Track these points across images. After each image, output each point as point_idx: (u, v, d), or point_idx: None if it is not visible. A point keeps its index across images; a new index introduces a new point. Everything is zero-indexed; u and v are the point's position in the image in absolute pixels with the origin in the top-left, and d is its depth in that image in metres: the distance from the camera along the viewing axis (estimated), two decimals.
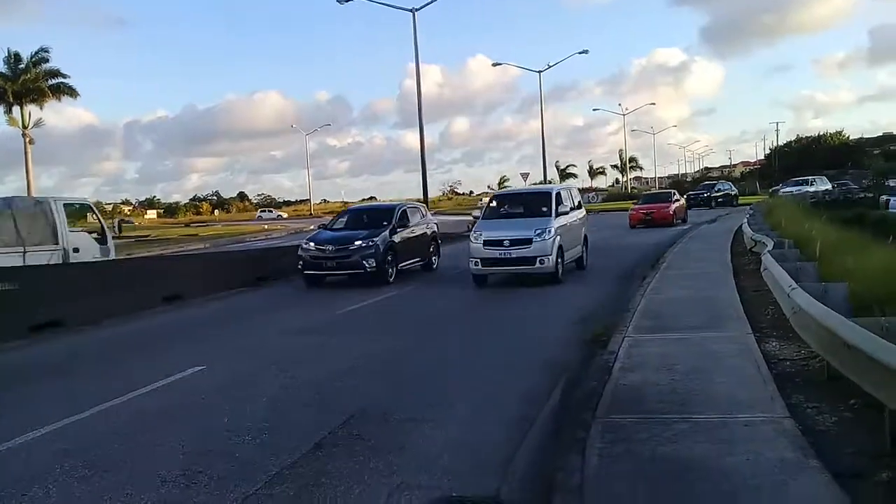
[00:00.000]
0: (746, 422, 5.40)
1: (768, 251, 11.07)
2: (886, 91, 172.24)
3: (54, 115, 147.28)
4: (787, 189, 49.13)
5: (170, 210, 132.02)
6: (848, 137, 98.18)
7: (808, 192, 45.31)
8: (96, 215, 19.00)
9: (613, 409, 5.95)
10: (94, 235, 17.53)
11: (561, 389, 7.07)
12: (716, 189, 53.67)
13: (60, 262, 15.69)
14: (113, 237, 18.38)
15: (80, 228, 17.64)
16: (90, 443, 6.07)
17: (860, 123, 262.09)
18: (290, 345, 10.10)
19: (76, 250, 16.39)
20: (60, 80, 49.77)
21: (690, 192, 53.91)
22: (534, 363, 8.26)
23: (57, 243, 16.05)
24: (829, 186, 50.52)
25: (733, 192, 53.12)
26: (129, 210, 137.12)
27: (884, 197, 35.02)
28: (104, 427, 6.53)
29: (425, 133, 34.00)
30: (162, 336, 11.65)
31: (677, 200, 36.48)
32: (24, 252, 15.22)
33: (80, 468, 5.46)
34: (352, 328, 11.43)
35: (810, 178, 53.63)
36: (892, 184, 45.75)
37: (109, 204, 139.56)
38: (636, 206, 35.62)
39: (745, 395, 6.10)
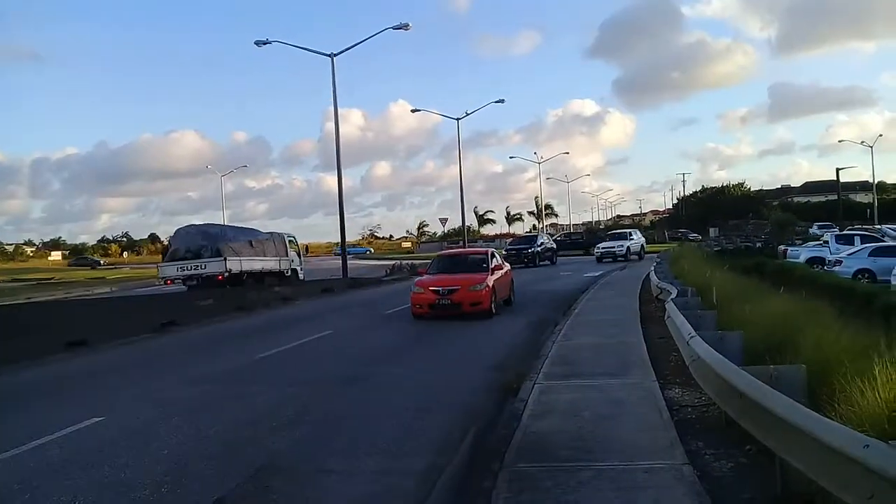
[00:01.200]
0: (647, 468, 5.54)
1: (672, 299, 11.49)
2: (784, 146, 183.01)
3: None
4: (607, 245, 44.56)
5: (76, 251, 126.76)
6: (749, 189, 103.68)
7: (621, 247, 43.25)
8: (296, 245, 36.50)
9: (521, 458, 6.01)
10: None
11: (472, 437, 7.08)
12: (538, 243, 43.21)
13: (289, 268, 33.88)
14: None
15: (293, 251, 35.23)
16: None
17: (760, 176, 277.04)
18: (198, 393, 9.76)
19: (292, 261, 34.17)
20: None
21: (509, 247, 44.57)
22: (447, 410, 8.25)
23: (287, 256, 33.81)
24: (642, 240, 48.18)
25: (552, 247, 44.72)
26: (32, 251, 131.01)
27: (781, 247, 36.90)
28: None
29: (346, 177, 34.10)
30: (61, 384, 11.09)
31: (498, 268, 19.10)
32: (279, 259, 33.16)
33: None
34: (264, 375, 11.16)
35: (628, 231, 51.65)
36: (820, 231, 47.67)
37: (10, 245, 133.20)
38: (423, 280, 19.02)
39: (648, 442, 6.27)
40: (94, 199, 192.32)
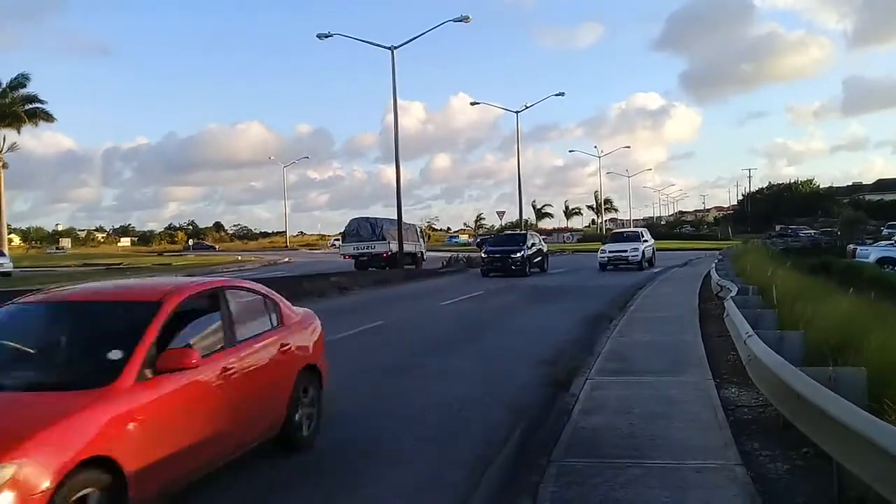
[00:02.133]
0: (698, 468, 5.43)
1: (731, 297, 11.23)
2: (857, 141, 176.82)
3: (31, 139, 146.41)
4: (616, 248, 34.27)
5: (144, 238, 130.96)
6: (818, 186, 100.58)
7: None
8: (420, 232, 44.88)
9: (570, 453, 5.95)
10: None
11: (521, 431, 7.06)
12: (527, 244, 31.86)
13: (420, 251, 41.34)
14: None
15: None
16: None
17: (831, 172, 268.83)
18: None
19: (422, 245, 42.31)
20: (37, 105, 49.72)
21: (489, 248, 33.42)
22: (497, 403, 8.24)
23: (419, 241, 41.68)
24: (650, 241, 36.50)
25: (543, 249, 34.49)
26: (103, 237, 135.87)
27: (850, 246, 35.69)
28: None
29: (406, 169, 34.45)
30: None
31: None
32: (415, 244, 40.15)
33: None
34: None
35: (639, 231, 40.92)
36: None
37: (83, 231, 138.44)
38: None
39: (700, 441, 6.14)
40: (162, 188, 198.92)
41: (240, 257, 66.14)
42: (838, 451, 4.10)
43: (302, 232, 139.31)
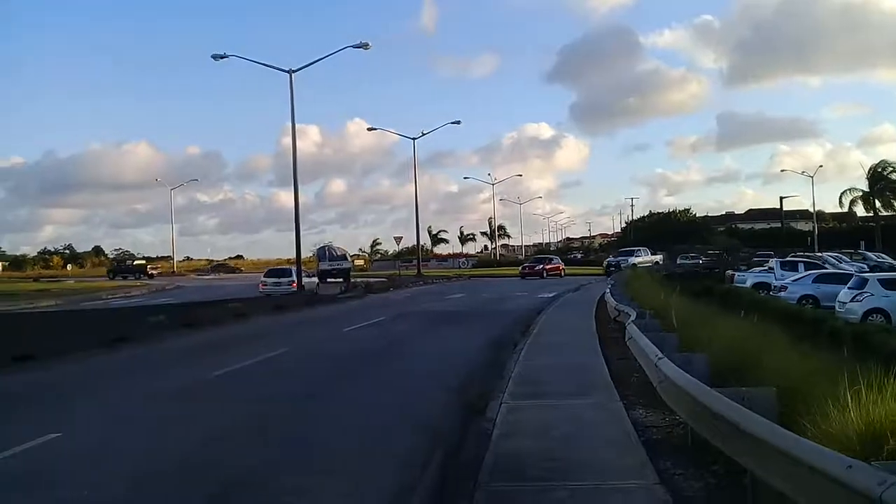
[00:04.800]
0: (620, 488, 5.61)
1: (632, 321, 11.67)
2: (730, 174, 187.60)
3: None
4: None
5: (16, 263, 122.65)
6: (695, 215, 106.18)
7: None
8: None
9: (495, 477, 6.01)
10: None
11: (440, 457, 7.06)
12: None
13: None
14: None
15: None
16: None
17: (707, 203, 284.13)
18: (155, 411, 9.51)
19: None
20: None
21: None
22: (413, 429, 8.21)
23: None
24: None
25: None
26: None
27: (729, 271, 37.83)
28: None
29: (301, 193, 33.86)
30: (12, 399, 10.67)
31: None
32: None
33: None
34: (224, 392, 10.94)
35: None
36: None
37: None
38: None
39: (618, 462, 6.35)
40: (38, 210, 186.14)
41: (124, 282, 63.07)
42: (760, 467, 4.33)
43: (188, 257, 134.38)
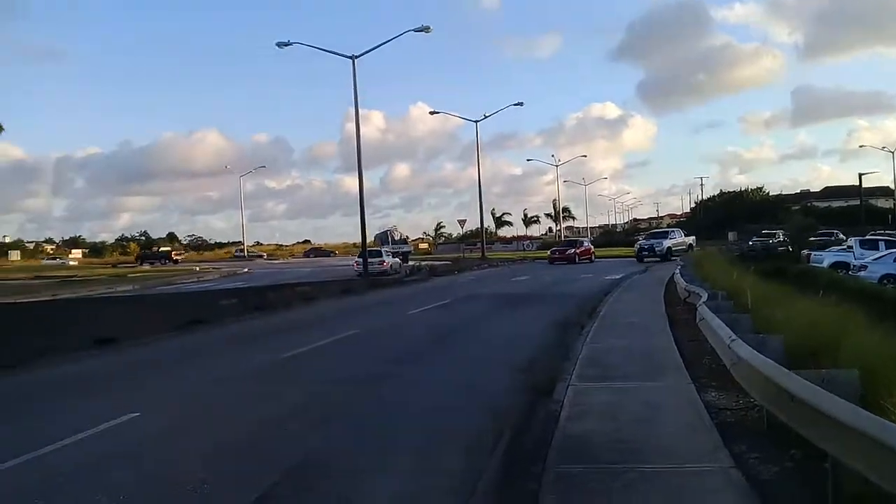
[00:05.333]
0: (694, 471, 5.48)
1: (703, 302, 11.39)
2: (805, 150, 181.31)
3: None
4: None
5: (95, 250, 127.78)
6: (768, 193, 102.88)
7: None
8: None
9: (564, 459, 5.96)
10: None
11: (508, 438, 7.04)
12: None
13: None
14: None
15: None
16: (17, 494, 5.73)
17: (780, 181, 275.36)
18: (228, 391, 9.81)
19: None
20: None
21: None
22: (480, 410, 8.22)
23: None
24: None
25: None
26: (52, 249, 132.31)
27: (805, 251, 36.55)
28: (33, 476, 6.17)
29: (365, 178, 34.19)
30: (94, 380, 11.17)
31: None
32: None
33: None
34: (295, 372, 11.18)
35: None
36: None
37: (31, 242, 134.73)
38: None
39: (691, 445, 6.21)
40: (115, 198, 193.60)
41: (198, 268, 64.99)
42: (842, 450, 4.17)
43: (258, 242, 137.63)
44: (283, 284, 27.56)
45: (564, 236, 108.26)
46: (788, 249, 43.58)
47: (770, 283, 19.72)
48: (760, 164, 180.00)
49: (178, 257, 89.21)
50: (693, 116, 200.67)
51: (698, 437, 6.42)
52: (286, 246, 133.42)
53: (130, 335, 15.19)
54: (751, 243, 52.78)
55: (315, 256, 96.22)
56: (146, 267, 73.59)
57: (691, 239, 51.95)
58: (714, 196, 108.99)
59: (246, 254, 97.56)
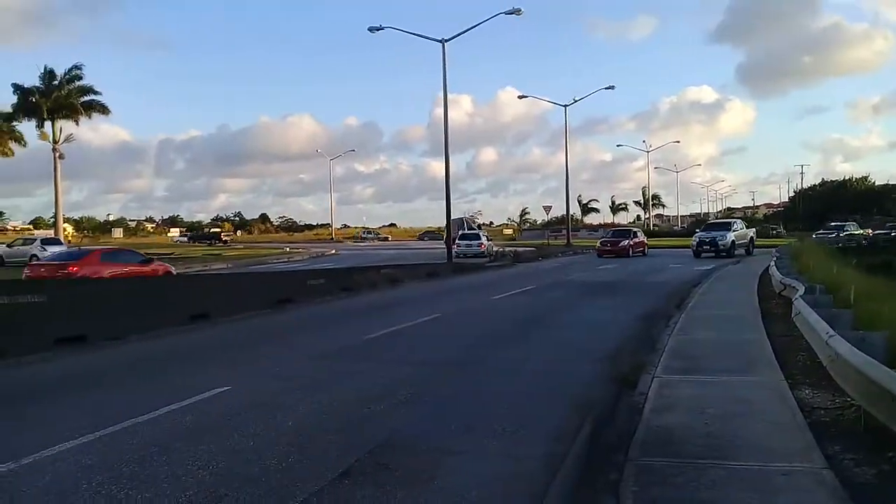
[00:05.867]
0: (784, 471, 5.28)
1: (800, 296, 10.93)
2: None
3: (89, 131, 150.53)
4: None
5: (192, 229, 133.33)
6: (874, 182, 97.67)
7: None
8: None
9: (646, 451, 5.85)
10: None
11: (590, 427, 6.97)
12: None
13: None
14: None
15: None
16: (116, 460, 6.05)
17: (889, 169, 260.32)
18: (315, 369, 10.07)
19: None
20: (93, 97, 50.89)
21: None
22: (562, 398, 8.16)
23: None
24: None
25: None
26: (152, 228, 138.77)
27: None
28: (130, 444, 6.51)
29: (452, 163, 34.30)
30: (188, 355, 11.68)
31: None
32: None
33: (107, 485, 5.44)
34: (381, 353, 11.40)
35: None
36: None
37: (133, 221, 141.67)
38: None
39: (781, 444, 5.98)
40: (213, 179, 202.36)
41: (288, 248, 66.87)
42: None
43: (346, 224, 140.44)
44: (369, 266, 27.98)
45: (654, 224, 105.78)
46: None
47: (874, 277, 18.75)
48: (867, 151, 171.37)
49: (226, 238, 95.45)
50: (795, 101, 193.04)
51: (790, 436, 6.18)
52: (349, 227, 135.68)
53: (223, 312, 15.78)
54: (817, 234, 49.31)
55: (430, 239, 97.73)
56: (240, 247, 76.50)
57: (752, 231, 44.11)
58: (815, 185, 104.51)
59: (374, 234, 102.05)
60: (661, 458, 5.65)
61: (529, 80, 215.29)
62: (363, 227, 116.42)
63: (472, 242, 44.94)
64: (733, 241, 37.99)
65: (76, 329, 12.29)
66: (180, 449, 6.34)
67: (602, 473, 5.50)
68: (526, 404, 7.93)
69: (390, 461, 5.96)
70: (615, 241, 42.48)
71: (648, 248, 45.47)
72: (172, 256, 49.65)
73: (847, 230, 51.69)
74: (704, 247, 38.24)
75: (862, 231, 51.12)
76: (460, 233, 47.43)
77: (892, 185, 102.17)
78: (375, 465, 5.86)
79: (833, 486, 4.97)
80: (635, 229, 48.19)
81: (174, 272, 24.99)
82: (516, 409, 7.69)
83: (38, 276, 21.14)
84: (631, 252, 41.35)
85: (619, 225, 56.66)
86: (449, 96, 33.79)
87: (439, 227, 74.85)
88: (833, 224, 56.83)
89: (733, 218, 52.28)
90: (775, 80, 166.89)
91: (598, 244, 44.29)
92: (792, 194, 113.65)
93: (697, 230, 46.60)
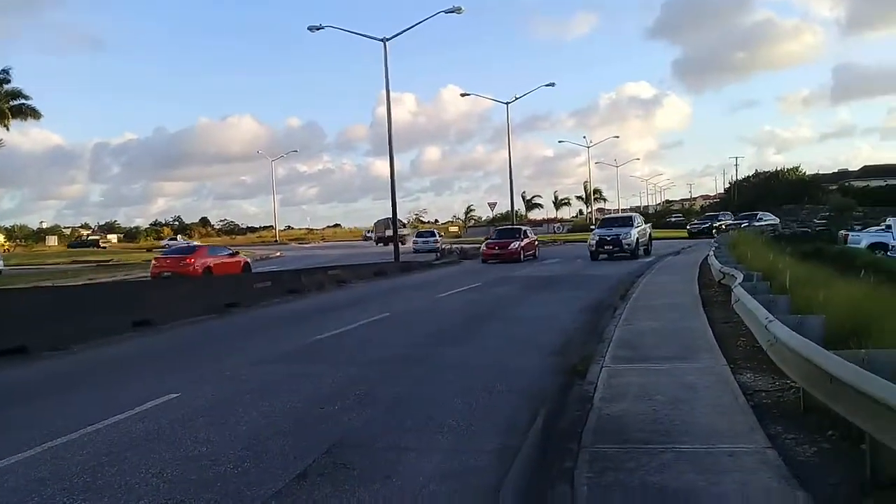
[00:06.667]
0: (730, 452, 5.48)
1: (739, 283, 11.28)
2: (845, 129, 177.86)
3: (20, 136, 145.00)
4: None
5: (130, 235, 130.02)
6: (804, 173, 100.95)
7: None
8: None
9: (599, 439, 5.99)
10: None
11: (543, 418, 7.09)
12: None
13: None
14: None
15: None
16: (67, 471, 5.91)
17: (819, 160, 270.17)
18: (266, 372, 9.96)
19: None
20: (23, 101, 49.17)
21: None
22: (514, 391, 8.27)
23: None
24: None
25: None
26: (88, 234, 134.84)
27: (842, 232, 35.93)
28: (81, 455, 6.36)
29: (396, 161, 34.20)
30: (134, 362, 11.43)
31: None
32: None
33: (59, 496, 5.32)
34: (329, 354, 11.35)
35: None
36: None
37: (68, 228, 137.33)
38: None
39: (726, 426, 6.20)
40: (151, 184, 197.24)
41: None
42: (881, 430, 4.14)
43: (290, 226, 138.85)
44: (316, 268, 27.75)
45: (596, 219, 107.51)
46: (828, 230, 42.86)
47: (807, 264, 19.45)
48: (798, 143, 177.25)
49: (105, 245, 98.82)
50: (730, 95, 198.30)
51: (734, 419, 6.41)
52: (293, 228, 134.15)
53: (167, 318, 15.48)
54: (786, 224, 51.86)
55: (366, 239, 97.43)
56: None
57: (649, 226, 38.52)
58: (749, 176, 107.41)
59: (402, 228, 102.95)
60: (612, 445, 5.80)
61: (472, 78, 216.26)
62: (366, 231, 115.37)
63: (428, 239, 49.87)
64: (638, 240, 32.24)
65: (15, 340, 11.91)
66: (132, 458, 6.22)
67: (556, 462, 5.61)
68: (478, 399, 8.00)
69: (347, 460, 5.96)
70: (503, 244, 34.53)
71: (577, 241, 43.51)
72: (111, 263, 48.41)
73: (763, 220, 53.49)
74: (606, 247, 31.98)
75: (775, 220, 53.10)
76: (417, 231, 51.64)
77: (822, 175, 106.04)
78: (332, 465, 5.86)
79: (776, 465, 5.18)
80: (525, 227, 40.27)
81: (251, 263, 31.51)
82: (469, 404, 7.77)
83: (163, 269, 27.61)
84: (522, 256, 34.11)
85: (502, 225, 51.24)
86: (392, 95, 33.77)
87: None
88: (743, 214, 58.96)
89: (631, 212, 47.40)
90: (710, 74, 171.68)
91: (482, 247, 35.98)
92: (727, 186, 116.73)
93: (593, 227, 41.82)
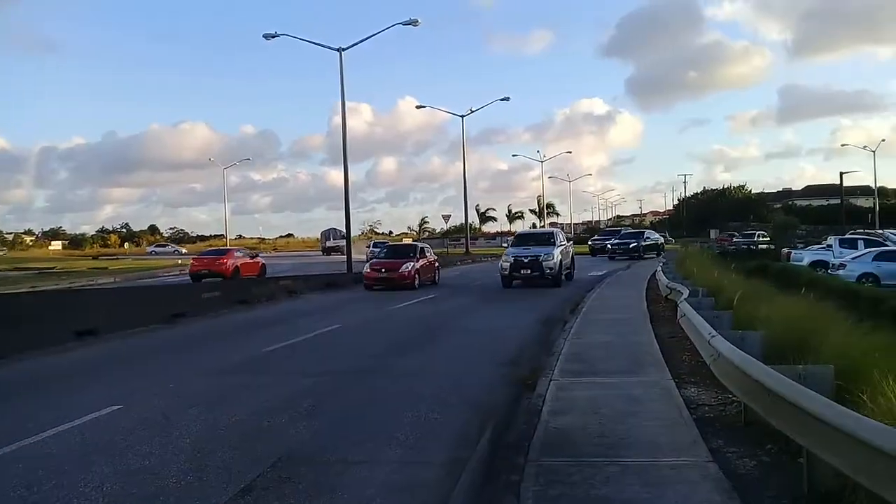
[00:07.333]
0: (673, 465, 5.58)
1: (685, 299, 11.52)
2: (791, 149, 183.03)
3: None
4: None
5: (75, 241, 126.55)
6: (750, 191, 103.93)
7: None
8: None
9: (546, 452, 6.04)
10: None
11: (491, 431, 7.12)
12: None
13: None
14: None
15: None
16: (6, 484, 5.73)
17: (765, 179, 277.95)
18: (213, 384, 9.79)
19: None
20: None
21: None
22: (464, 403, 8.30)
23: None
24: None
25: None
26: (31, 240, 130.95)
27: (785, 249, 36.97)
28: (16, 469, 6.16)
29: (351, 172, 34.08)
30: (75, 373, 11.12)
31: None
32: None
33: None
34: (280, 365, 11.23)
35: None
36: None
37: (10, 234, 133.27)
38: None
39: (670, 439, 6.31)
40: (98, 190, 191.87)
41: (180, 261, 64.55)
42: (817, 444, 4.26)
43: (241, 235, 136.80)
44: (267, 278, 27.44)
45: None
46: (771, 247, 44.08)
47: (751, 280, 19.96)
48: (745, 162, 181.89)
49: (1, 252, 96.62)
50: (680, 114, 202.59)
51: (677, 432, 6.53)
52: (245, 238, 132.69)
53: (112, 328, 15.12)
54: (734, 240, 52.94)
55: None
56: (129, 259, 73.87)
57: (571, 244, 31.51)
58: (697, 193, 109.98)
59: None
60: (559, 458, 5.86)
61: (428, 90, 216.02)
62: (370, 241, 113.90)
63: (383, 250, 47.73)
64: (561, 261, 25.45)
65: None
66: (71, 471, 6.05)
67: (503, 475, 5.64)
68: (429, 411, 7.99)
69: (293, 474, 5.90)
70: (393, 265, 26.66)
71: None
72: (55, 270, 47.14)
73: (649, 238, 53.84)
74: (523, 271, 24.91)
75: (659, 239, 53.96)
76: (372, 242, 51.02)
77: (767, 193, 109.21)
78: (278, 479, 5.79)
79: (717, 478, 5.29)
80: (422, 245, 30.97)
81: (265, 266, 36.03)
82: (419, 416, 7.76)
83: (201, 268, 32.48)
84: (417, 281, 26.13)
85: (383, 241, 49.68)
86: (348, 105, 33.68)
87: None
88: (630, 233, 58.70)
89: (554, 228, 43.09)
90: (662, 93, 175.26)
91: (365, 268, 28.10)
92: (676, 202, 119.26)
93: (506, 245, 35.43)
